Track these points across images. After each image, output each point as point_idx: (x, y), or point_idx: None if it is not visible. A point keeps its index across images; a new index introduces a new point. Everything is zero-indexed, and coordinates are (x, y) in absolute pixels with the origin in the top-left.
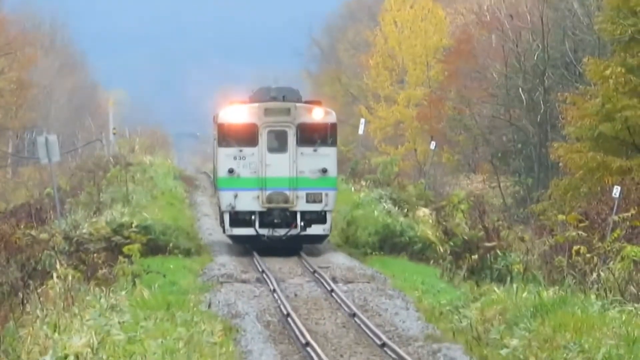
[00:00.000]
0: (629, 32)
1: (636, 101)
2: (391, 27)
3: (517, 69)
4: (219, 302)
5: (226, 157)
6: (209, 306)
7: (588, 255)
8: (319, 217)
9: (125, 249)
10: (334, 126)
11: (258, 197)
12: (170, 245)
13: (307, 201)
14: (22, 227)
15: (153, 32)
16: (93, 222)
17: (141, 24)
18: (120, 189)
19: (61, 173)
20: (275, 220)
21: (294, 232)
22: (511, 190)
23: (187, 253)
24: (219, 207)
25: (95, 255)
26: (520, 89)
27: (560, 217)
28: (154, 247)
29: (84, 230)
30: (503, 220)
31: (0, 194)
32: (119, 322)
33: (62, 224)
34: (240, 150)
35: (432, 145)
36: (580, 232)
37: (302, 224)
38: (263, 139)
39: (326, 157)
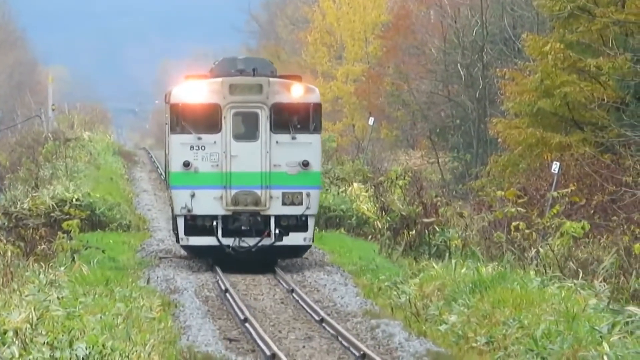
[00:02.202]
0: (568, 8)
1: (575, 77)
2: (329, 3)
3: (455, 45)
4: (157, 277)
5: (181, 147)
6: (148, 282)
7: (527, 231)
8: (299, 224)
9: (64, 225)
10: (317, 107)
11: (221, 197)
12: (110, 221)
13: (284, 203)
14: None
15: (91, 8)
16: (32, 198)
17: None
18: (59, 165)
19: (0, 149)
20: (243, 227)
21: (266, 242)
22: (450, 166)
23: (126, 228)
24: (172, 210)
25: (34, 230)
26: (458, 65)
27: (499, 193)
28: (94, 223)
29: (24, 206)
30: (441, 196)
31: None
32: (58, 298)
33: (1, 200)
34: (199, 138)
35: (371, 121)
36: (519, 208)
37: (277, 231)
38: (227, 123)
39: (308, 146)
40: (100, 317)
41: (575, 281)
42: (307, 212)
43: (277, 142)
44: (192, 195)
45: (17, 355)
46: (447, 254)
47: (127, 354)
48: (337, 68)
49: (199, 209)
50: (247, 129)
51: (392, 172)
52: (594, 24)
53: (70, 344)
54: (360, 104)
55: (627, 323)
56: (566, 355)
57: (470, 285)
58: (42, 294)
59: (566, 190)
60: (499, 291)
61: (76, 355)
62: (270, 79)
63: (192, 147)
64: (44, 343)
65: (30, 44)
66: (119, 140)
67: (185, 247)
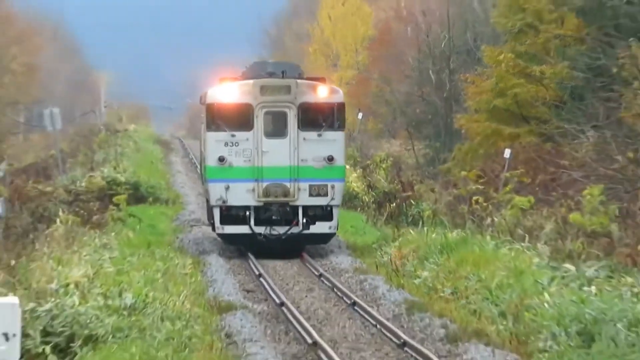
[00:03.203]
0: (518, 24)
1: (523, 81)
2: (327, 20)
3: (427, 55)
4: (189, 241)
5: (216, 143)
6: (181, 244)
7: (484, 204)
8: (324, 213)
9: (114, 199)
10: (341, 107)
11: (253, 189)
12: (151, 196)
13: (311, 194)
14: (31, 182)
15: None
16: (89, 178)
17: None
18: (110, 151)
19: (62, 138)
20: (274, 217)
21: (295, 230)
22: (423, 152)
23: (164, 202)
24: (207, 201)
25: (90, 204)
26: (430, 71)
27: (463, 173)
28: (138, 198)
29: (82, 184)
30: (416, 176)
31: (13, 155)
32: (110, 258)
33: (64, 180)
34: (233, 135)
35: (360, 116)
36: (478, 186)
37: (305, 221)
38: (259, 121)
39: (332, 142)
40: (144, 273)
41: (522, 244)
42: (332, 203)
43: (304, 138)
44: (227, 188)
45: (77, 303)
46: (421, 223)
47: (165, 302)
48: (333, 74)
49: (234, 200)
50: (277, 127)
51: (376, 157)
52: (539, 38)
53: (120, 294)
54: (351, 102)
55: (563, 277)
56: (515, 303)
57: (439, 247)
58: (97, 255)
59: (516, 171)
60: (462, 252)
61: (125, 303)
62: (298, 81)
63: (226, 144)
64: (99, 294)
65: (86, 51)
66: (158, 131)
67: (220, 235)
